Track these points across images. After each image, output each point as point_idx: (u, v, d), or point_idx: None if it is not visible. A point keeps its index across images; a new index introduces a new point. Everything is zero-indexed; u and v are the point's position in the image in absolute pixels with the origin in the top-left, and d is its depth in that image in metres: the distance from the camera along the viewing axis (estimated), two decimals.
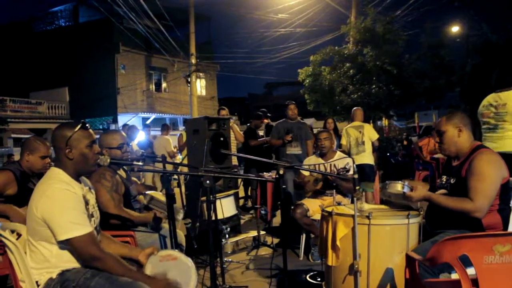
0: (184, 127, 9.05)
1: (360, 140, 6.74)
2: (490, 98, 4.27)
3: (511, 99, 4.04)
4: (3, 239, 2.22)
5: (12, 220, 3.21)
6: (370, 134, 6.80)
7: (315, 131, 7.59)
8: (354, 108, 7.37)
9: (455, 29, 19.13)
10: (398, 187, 2.76)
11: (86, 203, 2.29)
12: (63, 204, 2.13)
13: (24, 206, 3.28)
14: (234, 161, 6.78)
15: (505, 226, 2.68)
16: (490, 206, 2.59)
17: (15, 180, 3.49)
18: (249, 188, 7.96)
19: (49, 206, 2.12)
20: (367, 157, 6.68)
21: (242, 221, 6.39)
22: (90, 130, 2.34)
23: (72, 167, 2.27)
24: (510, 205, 2.79)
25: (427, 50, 15.33)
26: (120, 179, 3.38)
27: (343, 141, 6.92)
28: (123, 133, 3.59)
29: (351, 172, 4.28)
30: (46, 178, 2.27)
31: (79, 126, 2.27)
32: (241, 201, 7.84)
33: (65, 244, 2.16)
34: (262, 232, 5.38)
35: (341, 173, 4.17)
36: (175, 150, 9.24)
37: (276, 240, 5.18)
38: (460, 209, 2.59)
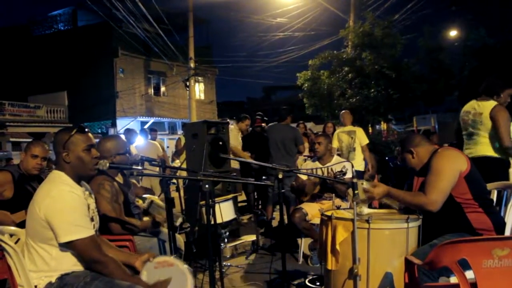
0: (182, 131, 8.81)
1: (352, 147, 6.76)
2: (470, 105, 4.29)
3: (488, 109, 4.04)
4: (2, 244, 2.22)
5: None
6: (361, 139, 6.82)
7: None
8: (342, 111, 7.35)
9: (453, 33, 19.21)
10: (363, 184, 2.86)
11: (87, 207, 2.28)
12: (67, 206, 2.13)
13: (20, 210, 3.26)
14: (236, 164, 6.71)
15: (499, 231, 2.69)
16: (445, 199, 2.65)
17: (13, 181, 3.47)
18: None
19: (53, 207, 2.12)
20: (357, 163, 6.66)
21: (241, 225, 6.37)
22: (89, 134, 2.33)
23: (71, 171, 2.27)
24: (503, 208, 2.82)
25: (425, 54, 15.39)
26: (118, 186, 3.29)
27: (334, 145, 6.86)
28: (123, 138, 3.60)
29: (348, 175, 4.30)
30: (48, 180, 2.28)
31: (75, 130, 2.28)
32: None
33: (66, 247, 2.15)
34: (261, 236, 5.37)
35: (338, 176, 4.19)
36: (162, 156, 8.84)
37: (275, 244, 5.17)
38: (415, 202, 2.74)
